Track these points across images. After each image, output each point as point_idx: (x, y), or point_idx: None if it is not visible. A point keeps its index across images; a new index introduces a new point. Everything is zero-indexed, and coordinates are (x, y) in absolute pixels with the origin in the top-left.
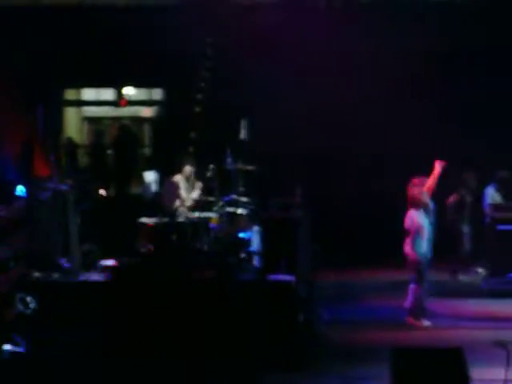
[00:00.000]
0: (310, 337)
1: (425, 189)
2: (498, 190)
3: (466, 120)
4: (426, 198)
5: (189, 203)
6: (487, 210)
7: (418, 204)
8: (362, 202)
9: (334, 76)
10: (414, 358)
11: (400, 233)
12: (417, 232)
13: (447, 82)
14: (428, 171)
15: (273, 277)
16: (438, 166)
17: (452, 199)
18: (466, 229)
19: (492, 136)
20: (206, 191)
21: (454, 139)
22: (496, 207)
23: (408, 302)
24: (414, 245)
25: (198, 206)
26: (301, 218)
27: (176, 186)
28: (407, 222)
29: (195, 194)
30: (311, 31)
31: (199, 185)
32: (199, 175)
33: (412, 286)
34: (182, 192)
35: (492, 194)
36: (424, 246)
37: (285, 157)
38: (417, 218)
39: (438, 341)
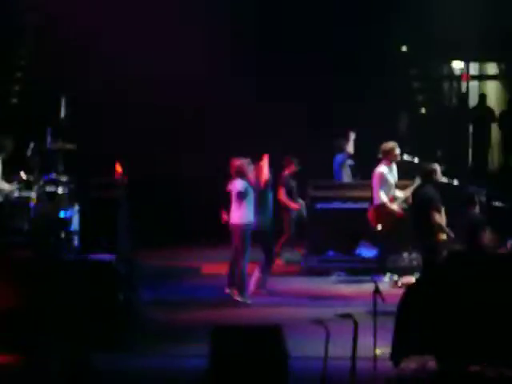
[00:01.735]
0: (130, 316)
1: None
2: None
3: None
4: (250, 170)
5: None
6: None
7: (242, 174)
8: (185, 180)
9: (158, 51)
10: (233, 335)
11: (223, 209)
12: (241, 201)
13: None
14: (255, 150)
15: (93, 256)
16: (264, 160)
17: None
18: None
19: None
20: (26, 170)
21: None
22: (315, 186)
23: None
24: (238, 213)
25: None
26: (121, 197)
27: None
28: (232, 191)
29: None
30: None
31: None
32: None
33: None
34: None
35: (340, 159)
36: (249, 214)
37: (106, 135)
38: (241, 187)
39: (258, 319)
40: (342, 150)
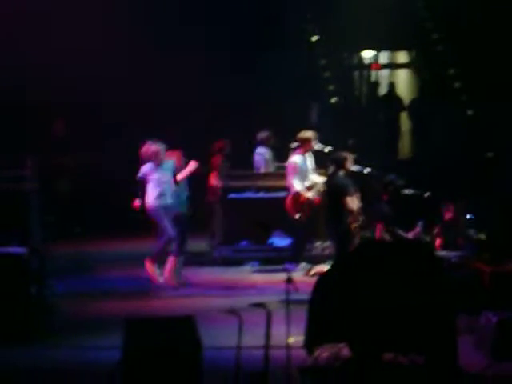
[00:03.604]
0: (42, 309)
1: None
2: (266, 147)
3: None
4: (163, 154)
5: None
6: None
7: (153, 158)
8: (99, 171)
9: (55, 34)
10: (146, 326)
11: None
12: (148, 183)
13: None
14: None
15: (3, 249)
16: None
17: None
18: None
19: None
20: None
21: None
22: (228, 176)
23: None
24: (148, 195)
25: None
26: (32, 189)
27: None
28: (140, 175)
29: None
30: None
31: None
32: None
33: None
34: None
35: (263, 152)
36: (159, 195)
37: (14, 127)
38: (150, 171)
39: (171, 309)
40: (263, 142)
